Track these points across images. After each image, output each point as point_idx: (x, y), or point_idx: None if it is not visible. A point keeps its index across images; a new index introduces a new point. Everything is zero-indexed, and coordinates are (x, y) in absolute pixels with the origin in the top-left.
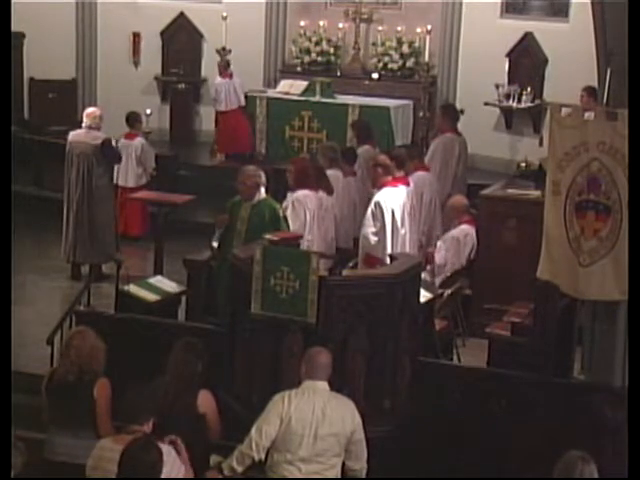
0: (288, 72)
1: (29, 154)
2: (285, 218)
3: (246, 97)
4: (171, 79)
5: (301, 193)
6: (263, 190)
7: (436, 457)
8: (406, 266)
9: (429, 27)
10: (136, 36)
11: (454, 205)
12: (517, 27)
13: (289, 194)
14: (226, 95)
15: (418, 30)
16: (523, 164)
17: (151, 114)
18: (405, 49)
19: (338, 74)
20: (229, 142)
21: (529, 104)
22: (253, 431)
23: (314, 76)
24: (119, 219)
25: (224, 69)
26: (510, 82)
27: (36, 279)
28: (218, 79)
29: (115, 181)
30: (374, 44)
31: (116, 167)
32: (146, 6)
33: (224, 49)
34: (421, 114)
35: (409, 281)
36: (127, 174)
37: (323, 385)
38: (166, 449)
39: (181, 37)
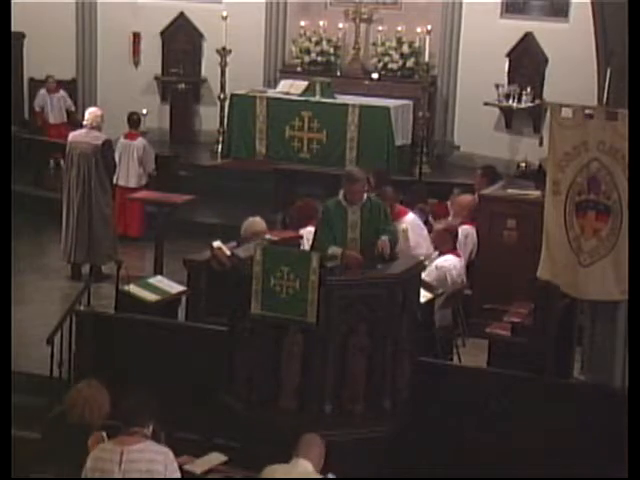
0: (288, 72)
1: (29, 154)
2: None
3: (246, 97)
4: (171, 79)
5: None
6: None
7: (436, 457)
8: (406, 266)
9: (429, 27)
10: (136, 36)
11: (461, 203)
12: (517, 27)
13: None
14: (52, 109)
15: (418, 30)
16: (523, 164)
17: (147, 114)
18: (405, 49)
19: (338, 74)
20: None
21: (529, 104)
22: None
23: (314, 76)
24: (119, 219)
25: (52, 84)
26: (510, 82)
27: (36, 279)
28: (42, 91)
29: (115, 181)
30: (374, 44)
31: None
32: (146, 6)
33: (224, 49)
34: (421, 114)
35: (409, 281)
36: (128, 174)
37: (305, 463)
38: (165, 450)
39: (181, 37)
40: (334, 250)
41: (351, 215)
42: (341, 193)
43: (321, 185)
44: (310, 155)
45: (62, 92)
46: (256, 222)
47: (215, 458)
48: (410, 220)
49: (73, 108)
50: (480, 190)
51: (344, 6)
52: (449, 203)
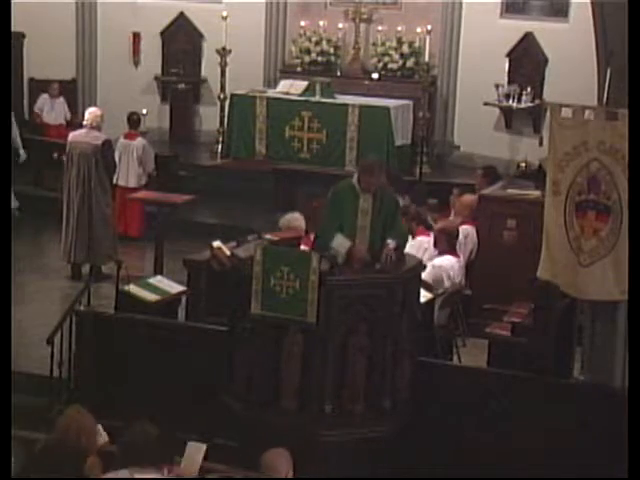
0: (288, 72)
1: (29, 154)
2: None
3: (246, 97)
4: (171, 79)
5: None
6: None
7: (436, 457)
8: (406, 266)
9: (429, 27)
10: (136, 36)
11: (464, 202)
12: (517, 27)
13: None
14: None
15: (418, 30)
16: (523, 164)
17: (147, 114)
18: (405, 49)
19: (338, 74)
20: None
21: (529, 104)
22: None
23: (314, 76)
24: (119, 219)
25: (55, 90)
26: (510, 82)
27: (36, 279)
28: (44, 96)
29: (115, 181)
30: (374, 44)
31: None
32: (146, 6)
33: (224, 49)
34: (421, 114)
35: (409, 281)
36: (128, 174)
37: None
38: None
39: (181, 37)
40: (342, 242)
41: (363, 202)
42: (355, 177)
43: (321, 185)
44: (310, 155)
45: (62, 99)
46: (296, 218)
47: (195, 450)
48: (418, 241)
49: (69, 116)
50: (481, 190)
51: (344, 6)
52: (450, 203)
